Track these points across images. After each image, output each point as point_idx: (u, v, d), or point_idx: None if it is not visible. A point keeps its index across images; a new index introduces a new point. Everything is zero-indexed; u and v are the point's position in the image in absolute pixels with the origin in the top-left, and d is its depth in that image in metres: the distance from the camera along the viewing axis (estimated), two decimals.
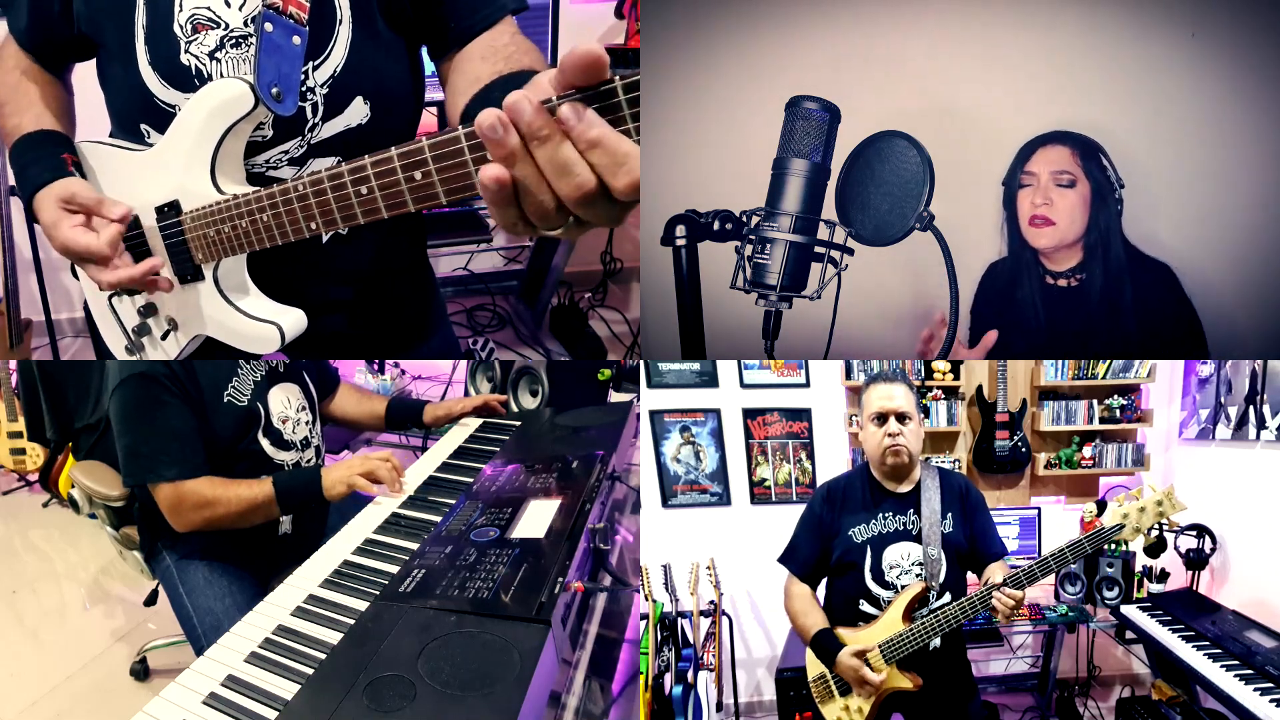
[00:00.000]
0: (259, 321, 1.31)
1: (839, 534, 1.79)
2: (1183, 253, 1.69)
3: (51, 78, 1.50)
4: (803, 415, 3.04)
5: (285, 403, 1.87)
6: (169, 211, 1.28)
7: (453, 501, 1.68)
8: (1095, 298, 1.59)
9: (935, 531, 1.74)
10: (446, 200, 0.93)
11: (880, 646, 1.68)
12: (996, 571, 1.70)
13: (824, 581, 1.89)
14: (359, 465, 1.72)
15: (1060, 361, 2.97)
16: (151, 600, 2.45)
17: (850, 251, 1.39)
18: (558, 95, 0.74)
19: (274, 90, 1.22)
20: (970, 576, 1.82)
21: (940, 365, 2.96)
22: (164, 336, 1.40)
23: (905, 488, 1.81)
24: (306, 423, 1.92)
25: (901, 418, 1.75)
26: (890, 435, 1.75)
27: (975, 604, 1.64)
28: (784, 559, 1.88)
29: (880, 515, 1.78)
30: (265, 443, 1.80)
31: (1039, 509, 3.00)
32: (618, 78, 0.74)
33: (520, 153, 0.74)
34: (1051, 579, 2.77)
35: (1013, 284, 1.67)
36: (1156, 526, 2.63)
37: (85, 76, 1.49)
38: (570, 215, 0.77)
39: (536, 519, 1.53)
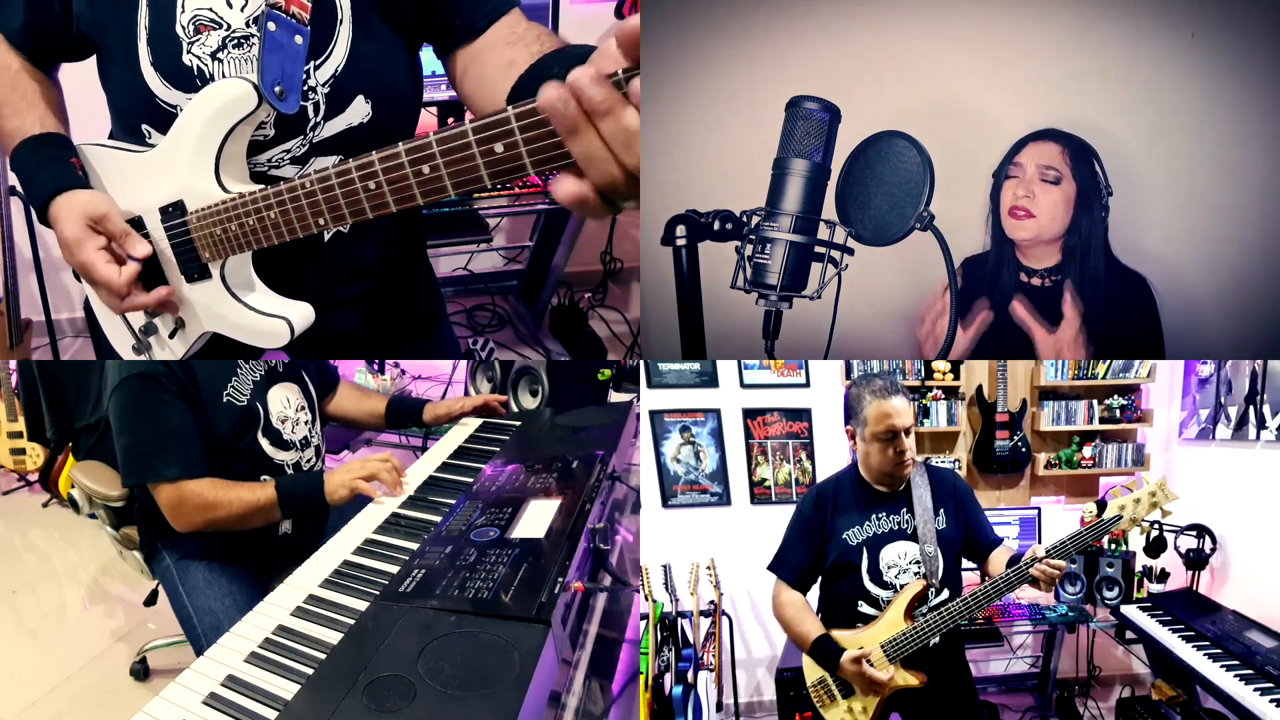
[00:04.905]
0: (268, 316, 1.31)
1: (833, 537, 1.78)
2: (1175, 253, 1.69)
3: (45, 76, 1.48)
4: (803, 415, 3.04)
5: (285, 402, 1.87)
6: (174, 211, 1.29)
7: (453, 501, 1.68)
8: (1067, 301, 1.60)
9: (930, 529, 1.74)
10: (455, 193, 0.94)
11: (883, 646, 1.68)
12: (1007, 556, 1.71)
13: (816, 585, 1.88)
14: (359, 469, 1.72)
15: (1060, 361, 2.97)
16: (151, 600, 2.45)
17: (850, 251, 1.39)
18: (624, 70, 0.77)
19: (277, 89, 1.22)
20: (969, 576, 1.82)
21: (940, 365, 2.96)
22: (171, 335, 1.41)
23: (896, 488, 1.80)
24: (306, 422, 1.92)
25: (907, 431, 1.74)
26: (900, 453, 1.73)
27: (981, 599, 1.65)
28: (774, 566, 1.87)
29: (874, 516, 1.77)
30: (265, 442, 1.80)
31: (1039, 509, 3.00)
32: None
33: (584, 125, 0.76)
34: None
35: (992, 278, 1.68)
36: (1156, 527, 2.64)
37: (78, 76, 1.48)
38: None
39: (536, 519, 1.53)
